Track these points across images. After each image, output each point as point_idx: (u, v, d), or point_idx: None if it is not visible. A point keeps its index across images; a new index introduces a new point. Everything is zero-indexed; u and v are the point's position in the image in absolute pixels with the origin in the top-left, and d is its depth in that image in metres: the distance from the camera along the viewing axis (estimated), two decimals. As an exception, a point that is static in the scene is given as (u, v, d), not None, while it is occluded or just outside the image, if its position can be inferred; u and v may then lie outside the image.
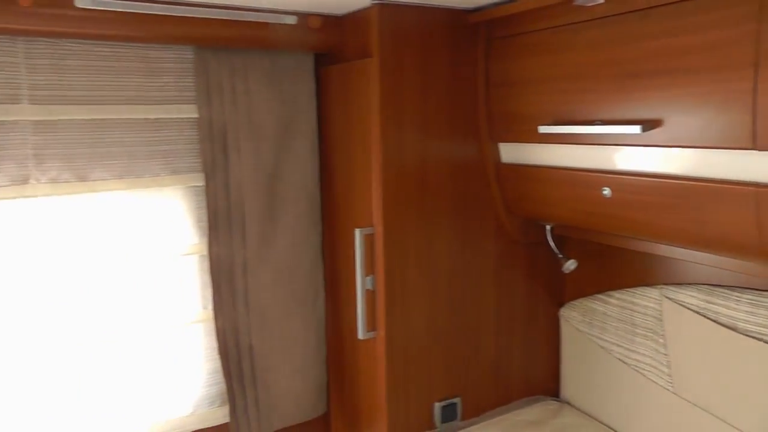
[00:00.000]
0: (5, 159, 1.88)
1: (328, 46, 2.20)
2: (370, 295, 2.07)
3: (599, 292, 2.25)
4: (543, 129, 1.88)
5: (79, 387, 2.06)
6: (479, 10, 2.03)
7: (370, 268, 2.07)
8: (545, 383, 2.42)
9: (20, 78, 1.87)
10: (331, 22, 2.16)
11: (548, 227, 2.25)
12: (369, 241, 2.05)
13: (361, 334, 2.09)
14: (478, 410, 2.25)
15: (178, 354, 2.22)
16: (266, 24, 2.05)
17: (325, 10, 2.10)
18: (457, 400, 2.19)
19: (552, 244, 2.25)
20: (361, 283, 2.07)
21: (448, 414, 2.17)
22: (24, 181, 1.91)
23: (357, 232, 2.06)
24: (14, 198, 1.91)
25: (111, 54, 1.98)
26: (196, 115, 2.09)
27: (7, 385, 1.95)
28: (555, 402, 2.37)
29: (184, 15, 1.93)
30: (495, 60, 2.10)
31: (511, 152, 2.14)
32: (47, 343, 2.00)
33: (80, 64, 1.94)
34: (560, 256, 2.26)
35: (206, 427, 2.25)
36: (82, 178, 1.99)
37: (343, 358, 2.33)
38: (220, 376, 2.21)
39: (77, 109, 1.96)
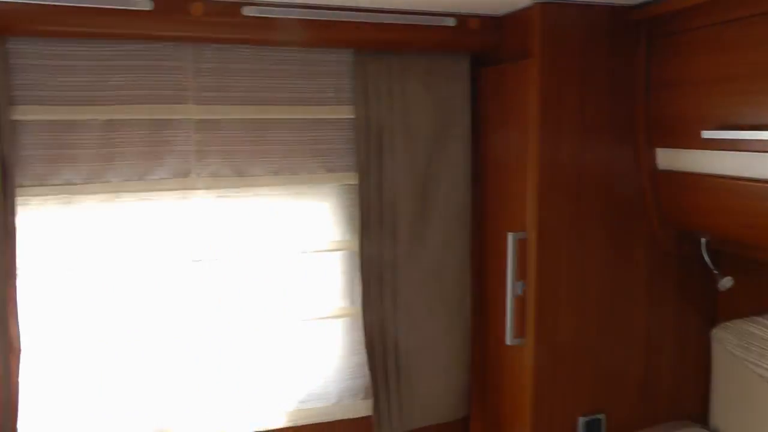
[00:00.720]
0: (170, 154, 2.03)
1: (485, 47, 2.20)
2: (520, 301, 2.06)
3: (758, 314, 2.11)
4: (707, 134, 1.80)
5: (228, 374, 2.19)
6: (643, 6, 1.96)
7: (520, 273, 2.05)
8: (693, 408, 2.30)
9: (187, 80, 2.01)
10: (489, 23, 2.16)
11: (703, 240, 2.14)
12: (521, 246, 2.05)
13: (508, 340, 2.08)
14: (622, 429, 2.17)
15: (324, 346, 2.30)
16: (424, 27, 2.09)
17: (485, 11, 2.11)
18: (601, 416, 2.13)
19: (707, 258, 2.14)
20: (511, 288, 2.06)
21: (592, 430, 2.12)
22: (185, 174, 2.05)
23: (510, 236, 2.05)
24: (175, 190, 2.06)
25: (272, 57, 2.09)
26: (352, 116, 2.16)
27: (160, 369, 2.11)
28: (702, 430, 2.24)
29: (345, 20, 2.00)
30: (657, 59, 2.01)
31: (670, 158, 2.06)
32: (200, 331, 2.14)
33: (243, 68, 2.06)
34: (715, 272, 2.14)
35: (349, 418, 2.31)
36: (241, 174, 2.11)
37: (487, 363, 2.32)
38: (365, 370, 2.27)
39: (238, 109, 2.08)
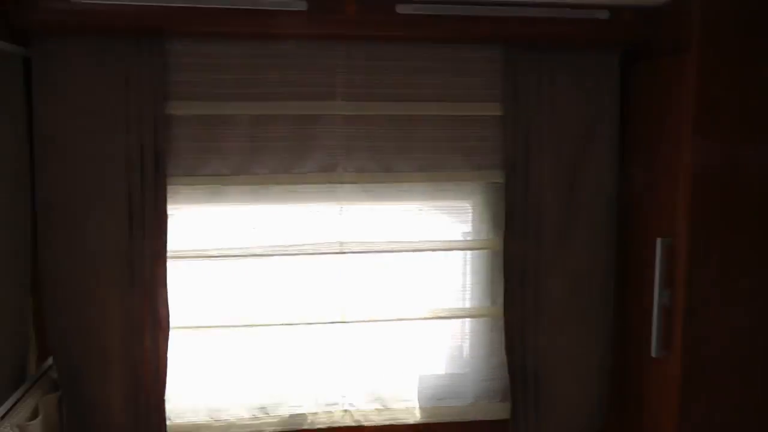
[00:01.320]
0: (318, 148, 2.07)
1: (637, 41, 2.08)
2: (667, 311, 1.93)
3: None
4: None
5: (365, 366, 2.22)
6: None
7: (668, 281, 1.92)
8: None
9: (336, 77, 2.04)
10: (643, 15, 2.03)
11: None
12: (669, 253, 1.91)
13: (654, 352, 1.95)
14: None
15: (463, 344, 2.29)
16: (576, 20, 2.00)
17: (641, 2, 1.99)
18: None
19: None
20: (658, 297, 1.93)
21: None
22: (332, 168, 2.09)
23: (658, 243, 1.92)
24: (322, 183, 2.10)
25: (421, 54, 2.07)
26: (500, 113, 2.11)
27: (299, 357, 2.19)
28: None
29: (496, 15, 1.96)
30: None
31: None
32: (338, 322, 2.18)
33: (391, 65, 2.06)
34: None
35: (485, 419, 2.28)
36: (387, 169, 2.11)
37: (628, 374, 2.19)
38: (503, 372, 2.22)
39: (386, 105, 2.08)
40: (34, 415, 1.88)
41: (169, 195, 1.98)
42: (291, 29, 1.94)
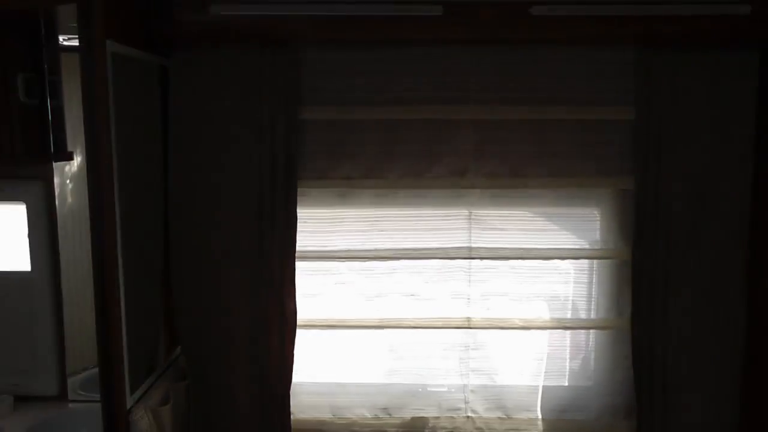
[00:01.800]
0: (448, 153, 2.06)
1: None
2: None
3: None
4: None
5: (487, 374, 2.19)
6: None
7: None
8: None
9: (469, 81, 2.02)
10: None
11: None
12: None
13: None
14: None
15: (588, 356, 2.21)
16: (714, 17, 1.91)
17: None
18: None
19: None
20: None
21: None
22: (462, 173, 2.07)
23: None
24: (451, 188, 2.09)
25: (554, 57, 2.03)
26: (632, 117, 2.05)
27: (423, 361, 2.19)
28: None
29: (632, 14, 1.90)
30: None
31: None
32: (461, 328, 2.16)
33: (524, 68, 2.03)
34: None
35: (609, 436, 2.19)
36: (516, 174, 2.07)
37: (762, 400, 2.05)
38: (628, 388, 2.12)
39: (518, 109, 2.04)
40: (164, 400, 1.95)
41: (298, 197, 2.02)
42: (425, 34, 1.96)
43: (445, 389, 2.20)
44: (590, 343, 2.21)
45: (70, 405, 2.24)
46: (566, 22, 1.93)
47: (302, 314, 2.06)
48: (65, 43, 2.13)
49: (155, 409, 1.87)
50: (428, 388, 2.20)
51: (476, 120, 2.05)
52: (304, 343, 2.12)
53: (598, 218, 2.17)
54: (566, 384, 2.23)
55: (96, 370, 2.22)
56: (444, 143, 2.06)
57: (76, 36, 2.13)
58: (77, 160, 2.17)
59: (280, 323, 2.03)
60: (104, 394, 1.76)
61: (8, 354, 2.25)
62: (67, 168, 2.17)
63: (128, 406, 1.80)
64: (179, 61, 1.98)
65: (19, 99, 2.01)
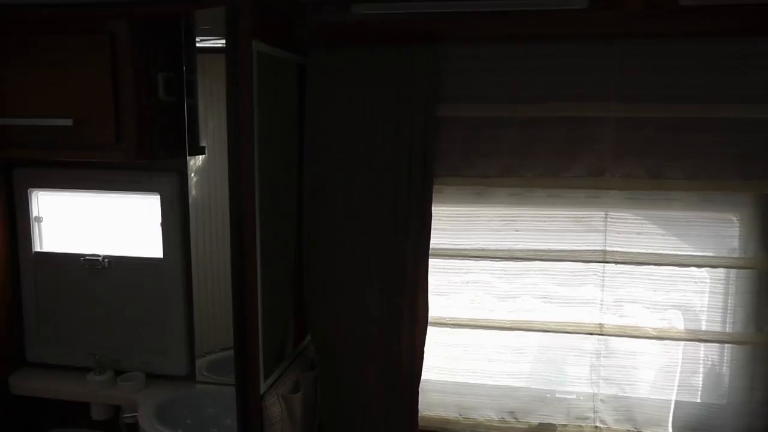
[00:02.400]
0: (585, 152, 1.98)
1: None
2: None
3: None
4: None
5: (619, 383, 2.10)
6: None
7: None
8: None
9: (611, 77, 1.94)
10: None
11: None
12: None
13: None
14: None
15: (722, 372, 2.09)
16: None
17: None
18: None
19: None
20: None
21: None
22: (599, 173, 1.99)
23: None
24: (587, 188, 2.01)
25: (700, 50, 1.91)
26: (782, 115, 1.89)
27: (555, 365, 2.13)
28: None
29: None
30: None
31: None
32: (594, 333, 2.09)
33: (669, 63, 1.92)
34: None
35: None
36: (655, 175, 1.98)
37: None
38: (766, 410, 1.97)
39: (660, 107, 1.94)
40: (294, 389, 2.00)
41: (433, 194, 2.02)
42: (568, 29, 1.90)
43: (573, 396, 2.14)
44: (725, 358, 2.09)
45: (198, 385, 2.35)
46: (716, 12, 1.81)
47: (433, 312, 2.06)
48: (199, 44, 2.25)
49: (287, 396, 1.91)
50: (556, 394, 2.15)
51: (617, 118, 1.97)
52: (433, 341, 2.11)
53: (737, 224, 2.04)
54: (698, 400, 2.11)
55: (221, 353, 2.35)
56: (582, 142, 1.99)
57: (210, 38, 2.26)
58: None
59: (411, 320, 2.03)
60: (239, 378, 1.81)
61: (141, 334, 2.39)
62: (192, 162, 2.28)
63: (261, 392, 1.85)
64: (316, 59, 2.01)
65: (159, 97, 2.12)
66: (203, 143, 2.28)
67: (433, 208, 2.01)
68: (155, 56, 2.12)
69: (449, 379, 2.20)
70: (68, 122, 2.06)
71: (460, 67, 2.00)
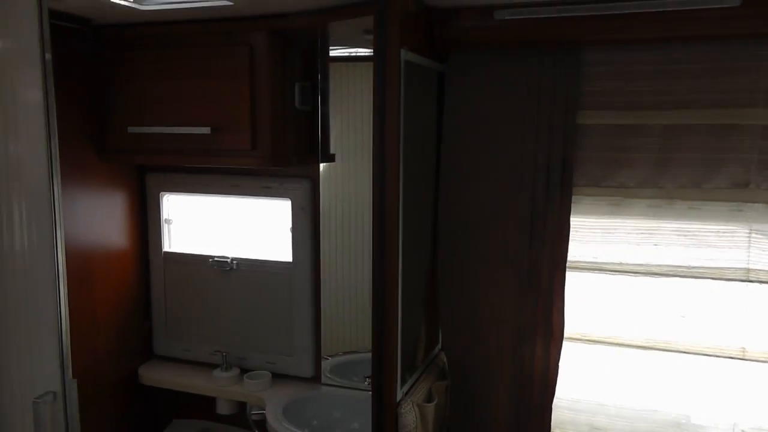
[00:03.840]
0: (730, 162, 1.90)
1: None
2: None
3: None
4: None
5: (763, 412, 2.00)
6: None
7: None
8: None
9: (759, 81, 1.84)
10: None
11: None
12: None
13: None
14: None
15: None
16: None
17: None
18: None
19: None
20: None
21: None
22: (744, 185, 1.90)
23: None
24: (730, 201, 1.93)
25: None
26: None
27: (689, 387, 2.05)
28: None
29: None
30: None
31: None
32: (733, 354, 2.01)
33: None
34: None
35: None
36: None
37: None
38: None
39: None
40: (428, 398, 2.02)
41: (571, 205, 1.99)
42: (717, 29, 1.81)
43: (712, 425, 2.04)
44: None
45: (322, 387, 2.42)
46: None
47: (567, 327, 2.03)
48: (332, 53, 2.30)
49: (421, 405, 1.93)
50: (692, 420, 2.06)
51: (763, 126, 1.87)
52: (567, 357, 2.07)
53: None
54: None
55: (345, 357, 2.41)
56: (726, 151, 1.90)
57: (338, 47, 2.30)
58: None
59: (545, 333, 2.01)
60: (377, 384, 1.85)
61: (269, 335, 2.47)
62: (321, 169, 2.34)
63: (397, 399, 1.89)
64: (456, 66, 2.02)
65: (295, 106, 2.19)
66: (332, 150, 2.33)
67: (571, 219, 1.98)
68: (291, 66, 2.18)
69: (582, 397, 2.15)
70: (206, 131, 2.15)
71: (602, 71, 1.95)
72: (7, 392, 1.68)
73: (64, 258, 1.52)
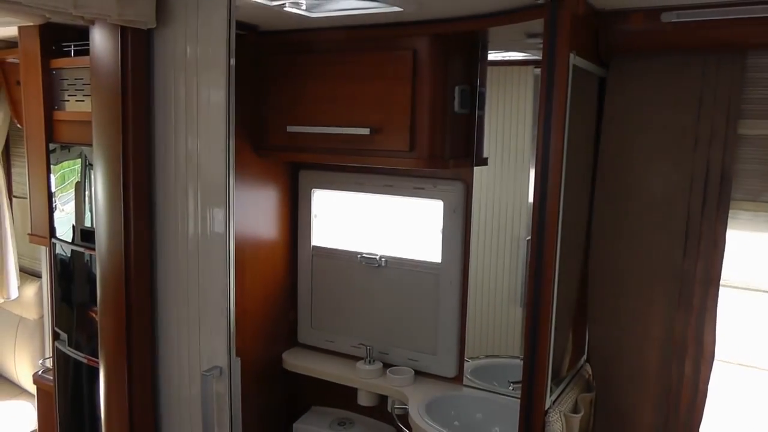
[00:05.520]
0: None
1: None
2: None
3: None
4: None
5: None
6: None
7: None
8: None
9: None
10: None
11: None
12: None
13: None
14: None
15: None
16: None
17: None
18: None
19: None
20: None
21: None
22: None
23: None
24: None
25: None
26: None
27: None
28: None
29: None
30: None
31: None
32: None
33: None
34: None
35: None
36: None
37: None
38: None
39: None
40: (574, 409, 2.00)
41: (728, 220, 1.90)
42: None
43: None
44: None
45: (464, 389, 2.44)
46: None
47: (721, 348, 1.94)
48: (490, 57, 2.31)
49: (568, 416, 1.92)
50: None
51: None
52: (718, 380, 1.98)
53: None
54: None
55: (486, 360, 2.42)
56: None
57: (495, 51, 2.30)
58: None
59: (695, 351, 1.94)
60: (527, 390, 1.85)
61: (413, 333, 2.53)
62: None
63: (546, 407, 1.89)
64: (618, 70, 1.99)
65: (454, 109, 2.22)
66: (485, 154, 2.34)
67: (727, 234, 1.89)
68: (452, 70, 2.21)
69: (732, 423, 2.05)
70: (365, 131, 2.23)
71: (764, 79, 1.85)
72: (176, 365, 1.84)
73: (234, 246, 1.66)
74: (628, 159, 1.98)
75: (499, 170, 2.37)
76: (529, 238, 1.84)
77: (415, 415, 2.27)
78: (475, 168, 2.36)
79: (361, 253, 2.62)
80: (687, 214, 1.91)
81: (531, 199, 1.83)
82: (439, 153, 2.20)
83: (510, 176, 2.36)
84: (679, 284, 1.94)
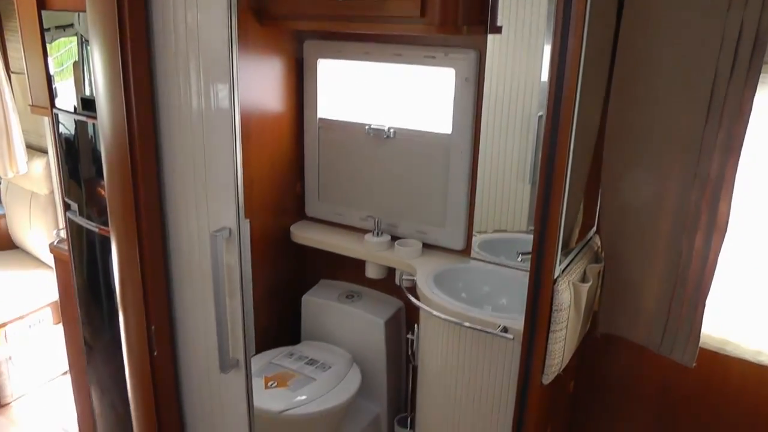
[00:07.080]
0: None
1: None
2: None
3: None
4: None
5: None
6: None
7: None
8: None
9: None
10: None
11: None
12: None
13: None
14: None
15: None
16: None
17: None
18: None
19: None
20: None
21: None
22: None
23: None
24: None
25: None
26: None
27: None
28: None
29: None
30: None
31: None
32: None
33: None
34: None
35: None
36: None
37: None
38: None
39: None
40: (582, 279, 2.01)
41: (758, 86, 1.78)
42: None
43: None
44: None
45: (472, 261, 2.47)
46: None
47: (734, 219, 1.89)
48: None
49: (577, 285, 1.93)
50: None
51: None
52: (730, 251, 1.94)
53: None
54: None
55: (494, 234, 2.42)
56: None
57: None
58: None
59: (708, 224, 1.90)
60: (536, 259, 1.84)
61: (422, 205, 2.52)
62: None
63: (554, 276, 1.91)
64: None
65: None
66: (500, 23, 2.21)
67: (755, 100, 1.78)
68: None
69: (734, 295, 2.06)
70: (373, -6, 2.09)
71: None
72: (185, 231, 1.85)
73: (240, 121, 1.61)
74: (654, 18, 1.84)
75: (515, 40, 2.25)
76: (541, 113, 1.76)
77: (423, 286, 2.31)
78: (488, 37, 2.24)
79: (369, 125, 2.56)
80: (714, 78, 1.80)
81: (545, 72, 1.73)
82: (451, 18, 2.08)
83: (524, 48, 2.24)
84: (697, 152, 1.87)
